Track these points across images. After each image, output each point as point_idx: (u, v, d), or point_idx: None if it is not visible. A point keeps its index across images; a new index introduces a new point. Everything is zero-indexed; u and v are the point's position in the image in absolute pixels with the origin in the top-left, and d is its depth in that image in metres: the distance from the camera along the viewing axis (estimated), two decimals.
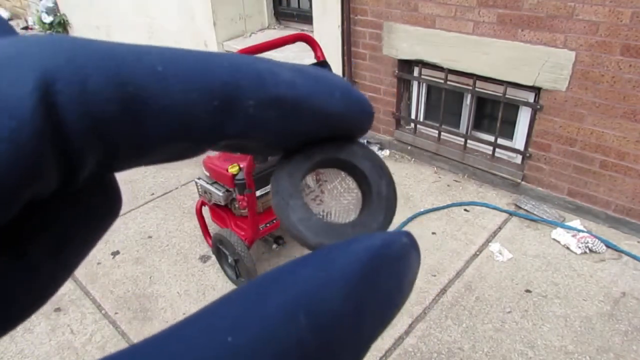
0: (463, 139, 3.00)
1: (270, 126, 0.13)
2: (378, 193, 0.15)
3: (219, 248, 2.29)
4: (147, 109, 0.11)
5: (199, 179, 2.39)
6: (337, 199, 0.15)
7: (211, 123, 0.12)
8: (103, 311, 2.20)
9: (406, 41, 2.93)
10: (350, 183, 0.15)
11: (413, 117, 3.27)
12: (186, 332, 0.10)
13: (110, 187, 0.14)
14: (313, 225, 0.14)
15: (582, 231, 2.47)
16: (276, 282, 0.11)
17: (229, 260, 2.22)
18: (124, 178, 3.24)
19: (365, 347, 0.11)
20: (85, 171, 0.11)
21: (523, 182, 2.80)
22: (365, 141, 3.41)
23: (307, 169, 0.14)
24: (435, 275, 2.28)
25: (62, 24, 6.05)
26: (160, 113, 0.11)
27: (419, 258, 0.13)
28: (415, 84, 3.18)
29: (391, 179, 0.15)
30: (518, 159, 2.86)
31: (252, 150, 0.14)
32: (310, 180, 0.15)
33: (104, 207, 0.14)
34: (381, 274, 0.12)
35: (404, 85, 3.18)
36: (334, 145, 0.15)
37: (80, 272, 2.42)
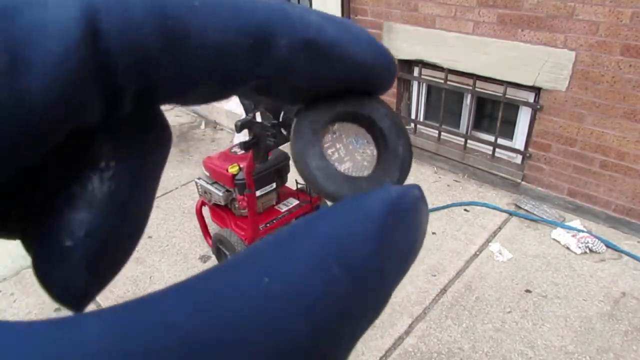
0: (463, 139, 3.00)
1: (301, 69, 0.13)
2: (394, 152, 0.15)
3: (219, 248, 2.29)
4: (187, 44, 0.11)
5: (199, 179, 2.39)
6: (352, 153, 0.15)
7: (246, 61, 0.12)
8: None
9: (406, 41, 2.93)
10: (369, 139, 0.16)
11: (413, 117, 3.27)
12: (214, 274, 0.10)
13: (157, 118, 0.14)
14: (330, 174, 0.14)
15: (582, 231, 2.47)
16: (304, 231, 0.11)
17: None
18: None
19: (388, 294, 0.12)
20: (126, 103, 0.11)
21: (523, 182, 2.80)
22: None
23: (329, 119, 0.15)
24: (435, 275, 2.28)
25: None
26: (199, 49, 0.11)
27: (427, 210, 0.14)
28: (415, 84, 3.18)
29: (409, 139, 0.15)
30: (518, 159, 2.87)
31: (279, 95, 0.14)
32: (330, 131, 0.15)
33: (153, 137, 0.14)
34: (399, 223, 0.12)
35: (404, 85, 3.18)
36: (356, 100, 0.15)
37: None
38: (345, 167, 0.15)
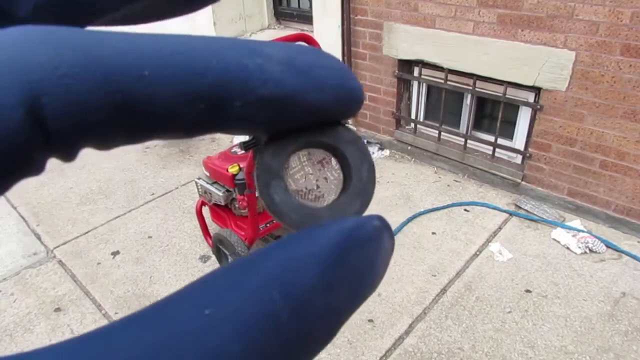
0: (463, 139, 3.00)
1: (258, 121, 0.13)
2: (359, 178, 0.15)
3: (219, 248, 2.29)
4: (135, 114, 0.11)
5: (199, 179, 2.39)
6: (320, 178, 0.16)
7: (197, 122, 0.12)
8: (103, 311, 2.20)
9: (406, 41, 2.93)
10: (334, 164, 0.16)
11: (413, 117, 3.27)
12: (167, 307, 0.11)
13: None
14: (294, 207, 0.14)
15: (582, 231, 2.47)
16: (254, 262, 0.12)
17: (229, 260, 2.22)
18: (124, 178, 3.24)
19: (338, 323, 0.12)
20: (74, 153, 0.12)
21: (523, 182, 2.80)
22: (365, 141, 3.41)
23: (291, 151, 0.15)
24: (435, 275, 2.28)
25: None
26: (147, 116, 0.11)
27: (391, 240, 0.14)
28: (415, 84, 3.18)
29: (372, 165, 0.16)
30: (518, 159, 2.86)
31: (243, 133, 0.14)
32: (294, 159, 0.15)
33: None
34: (352, 254, 0.12)
35: (404, 85, 3.18)
36: (320, 128, 0.15)
37: (80, 272, 2.42)
38: (312, 192, 0.15)
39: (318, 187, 0.16)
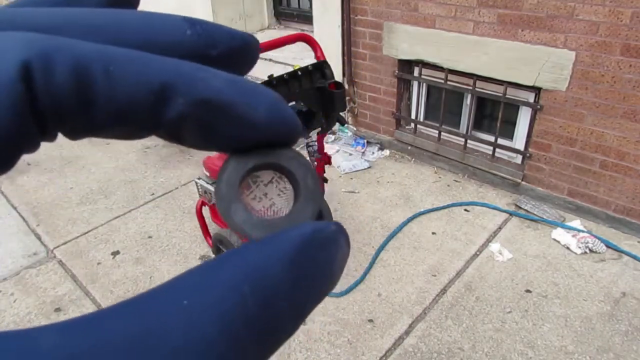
0: (463, 139, 3.00)
1: (199, 122, 0.15)
2: (305, 187, 0.17)
3: (219, 248, 2.29)
4: (97, 99, 0.13)
5: (199, 179, 2.39)
6: (274, 195, 0.18)
7: (148, 113, 0.14)
8: None
9: (406, 41, 2.93)
10: (284, 180, 0.18)
11: (413, 117, 3.27)
12: (151, 298, 0.12)
13: None
14: (254, 224, 0.16)
15: (582, 231, 2.47)
16: (226, 260, 0.13)
17: None
18: (124, 178, 3.24)
19: (301, 315, 0.14)
20: (55, 135, 0.14)
21: (523, 182, 2.80)
22: (364, 141, 3.41)
23: (243, 175, 0.17)
24: (435, 275, 2.28)
25: None
26: (106, 102, 0.14)
27: (347, 243, 0.16)
28: (415, 84, 3.18)
29: (315, 174, 0.18)
30: (518, 159, 2.86)
31: (189, 143, 0.16)
32: (249, 181, 0.17)
33: None
34: (311, 253, 0.14)
35: (404, 85, 3.18)
36: (266, 150, 0.17)
37: (80, 272, 2.42)
38: (270, 207, 0.18)
39: (274, 203, 0.18)
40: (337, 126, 3.39)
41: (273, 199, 0.18)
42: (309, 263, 0.14)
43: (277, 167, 0.18)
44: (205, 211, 2.49)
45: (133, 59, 0.14)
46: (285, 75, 1.93)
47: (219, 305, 0.12)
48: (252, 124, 0.16)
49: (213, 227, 2.49)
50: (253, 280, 0.13)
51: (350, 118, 3.56)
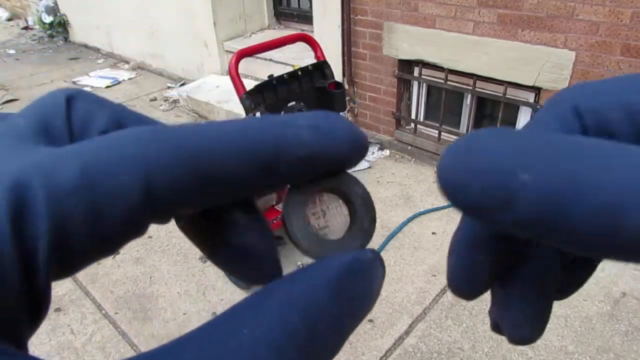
0: None
1: (296, 175, 0.17)
2: (361, 224, 0.19)
3: None
4: (212, 181, 0.15)
5: None
6: (332, 218, 0.19)
7: (253, 183, 0.16)
8: (103, 311, 2.20)
9: (406, 41, 2.93)
10: (343, 209, 0.19)
11: (413, 117, 3.27)
12: (214, 329, 0.14)
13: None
14: (307, 234, 0.18)
15: None
16: (275, 290, 0.15)
17: None
18: None
19: (343, 339, 0.15)
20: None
21: None
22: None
23: (313, 193, 0.18)
24: (435, 275, 2.28)
25: (62, 24, 6.06)
26: (220, 181, 0.15)
27: (383, 269, 0.17)
28: (415, 84, 3.18)
29: (374, 215, 0.19)
30: None
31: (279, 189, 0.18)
32: (316, 200, 0.19)
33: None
34: (353, 281, 0.15)
35: (404, 85, 3.18)
36: (336, 178, 0.18)
37: (80, 272, 2.42)
38: (325, 228, 0.19)
39: (327, 226, 0.19)
40: None
41: (331, 219, 0.19)
42: (350, 291, 0.15)
43: (343, 195, 0.19)
44: None
45: (235, 138, 0.15)
46: (285, 75, 1.94)
47: (274, 334, 0.13)
48: (338, 162, 0.17)
49: None
50: (303, 309, 0.14)
51: (350, 118, 3.56)
